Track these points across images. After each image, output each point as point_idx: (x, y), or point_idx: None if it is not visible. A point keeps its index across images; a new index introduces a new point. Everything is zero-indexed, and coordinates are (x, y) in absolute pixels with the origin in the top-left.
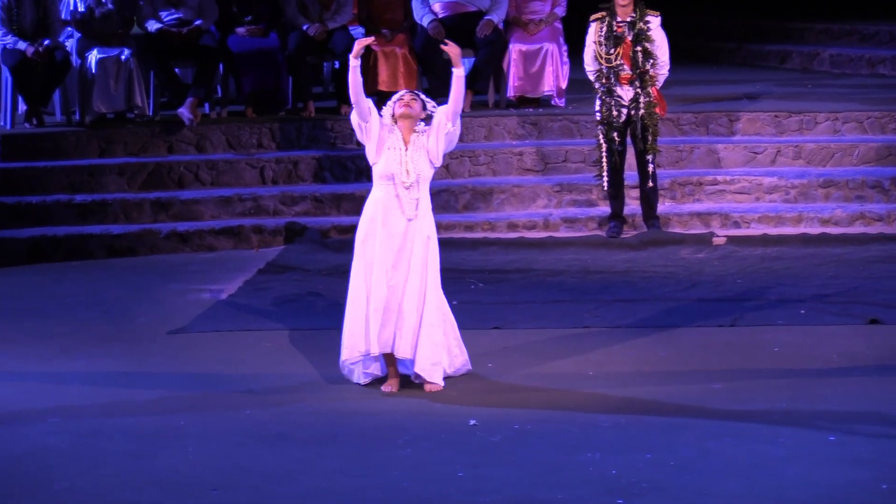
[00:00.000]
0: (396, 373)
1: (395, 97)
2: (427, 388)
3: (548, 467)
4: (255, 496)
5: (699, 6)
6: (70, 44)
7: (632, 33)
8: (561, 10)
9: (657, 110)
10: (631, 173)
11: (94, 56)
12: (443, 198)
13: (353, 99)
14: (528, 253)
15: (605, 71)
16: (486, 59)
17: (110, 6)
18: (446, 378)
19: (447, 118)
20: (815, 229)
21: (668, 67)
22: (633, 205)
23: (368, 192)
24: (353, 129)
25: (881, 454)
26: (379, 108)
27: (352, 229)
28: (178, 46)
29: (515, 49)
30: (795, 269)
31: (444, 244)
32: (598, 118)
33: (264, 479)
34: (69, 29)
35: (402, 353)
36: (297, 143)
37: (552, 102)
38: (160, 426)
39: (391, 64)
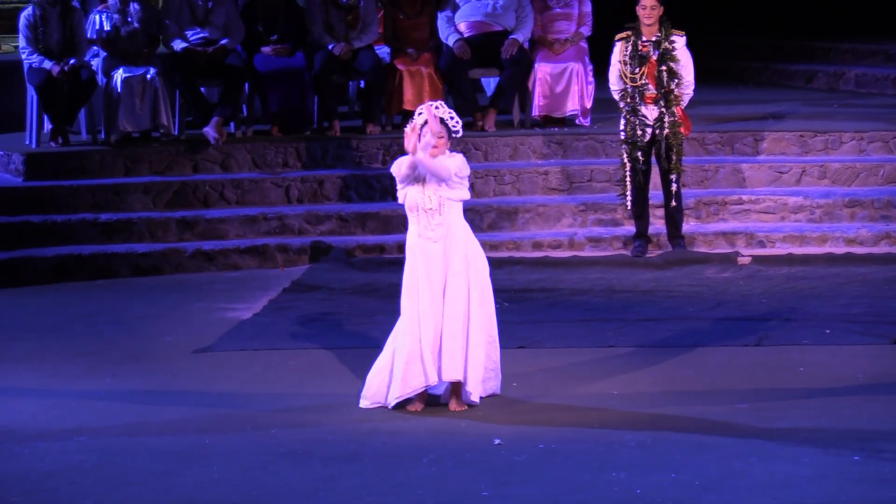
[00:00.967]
0: (425, 394)
1: (420, 123)
2: (452, 407)
3: (573, 486)
4: None
5: (725, 26)
6: (96, 63)
7: (657, 53)
8: (586, 30)
9: (682, 130)
10: (656, 192)
11: (119, 75)
12: (467, 217)
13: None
14: (552, 272)
15: (629, 90)
16: (511, 79)
17: (136, 25)
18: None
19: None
20: (840, 249)
21: (692, 87)
22: (657, 224)
23: (394, 210)
24: (378, 149)
25: None
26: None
27: (377, 248)
28: (204, 65)
29: (541, 68)
30: (820, 288)
31: None
32: (623, 137)
33: (288, 497)
34: (95, 48)
35: (450, 376)
36: (322, 162)
37: (577, 122)
38: (185, 445)
39: (416, 83)
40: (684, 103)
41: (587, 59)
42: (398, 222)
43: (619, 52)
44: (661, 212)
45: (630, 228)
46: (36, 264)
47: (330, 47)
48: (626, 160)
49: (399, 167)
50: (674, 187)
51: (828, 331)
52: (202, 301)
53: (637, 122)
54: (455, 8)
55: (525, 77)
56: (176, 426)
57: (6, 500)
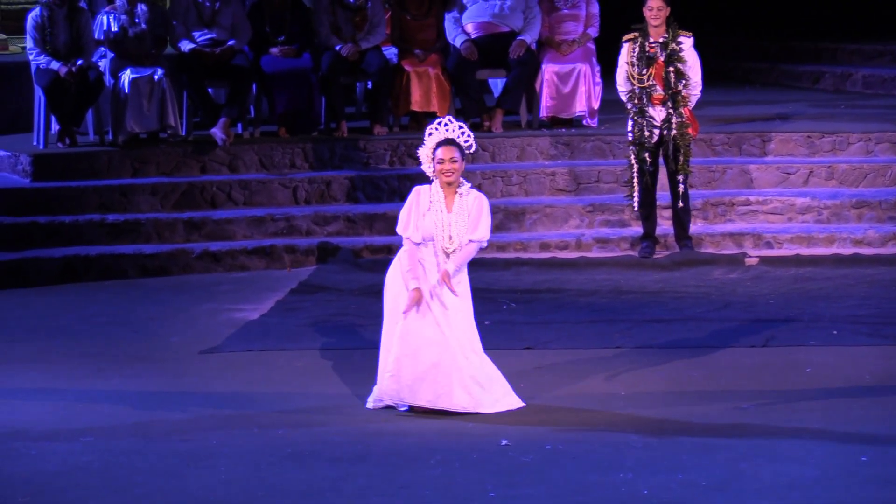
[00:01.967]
0: None
1: (431, 145)
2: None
3: (579, 487)
4: None
5: (732, 27)
6: (103, 64)
7: (664, 54)
8: (594, 31)
9: (689, 131)
10: (663, 194)
11: (127, 76)
12: None
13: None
14: (560, 273)
15: (637, 91)
16: (518, 80)
17: (143, 26)
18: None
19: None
20: (848, 250)
21: (700, 88)
22: (665, 225)
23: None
24: (386, 150)
25: None
26: (414, 131)
27: (385, 249)
28: (211, 66)
29: (548, 69)
30: (828, 289)
31: (476, 264)
32: (630, 138)
33: (295, 498)
34: (102, 49)
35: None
36: (329, 163)
37: (584, 123)
38: (192, 446)
39: (424, 84)
40: (692, 104)
41: (594, 61)
42: None
43: (626, 54)
44: (668, 213)
45: (637, 229)
46: (43, 265)
47: (337, 48)
48: (633, 161)
49: (403, 265)
50: (681, 188)
51: (835, 332)
52: (209, 302)
53: (644, 124)
54: (462, 9)
55: (532, 78)
56: (182, 427)
57: (13, 500)
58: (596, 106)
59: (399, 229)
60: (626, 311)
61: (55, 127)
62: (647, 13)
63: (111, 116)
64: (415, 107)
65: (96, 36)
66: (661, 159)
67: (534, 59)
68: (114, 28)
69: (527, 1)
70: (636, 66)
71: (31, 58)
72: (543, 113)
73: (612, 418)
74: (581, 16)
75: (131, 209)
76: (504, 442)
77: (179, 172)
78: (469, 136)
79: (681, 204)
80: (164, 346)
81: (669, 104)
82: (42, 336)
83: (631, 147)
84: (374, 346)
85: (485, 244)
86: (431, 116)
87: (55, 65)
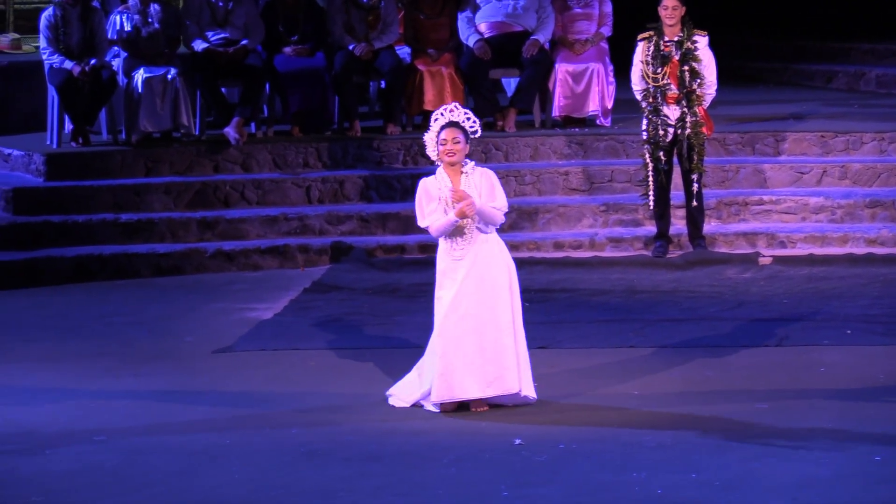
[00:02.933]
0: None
1: (436, 129)
2: (474, 406)
3: (593, 487)
4: None
5: (746, 26)
6: (116, 63)
7: (679, 53)
8: (607, 30)
9: (704, 130)
10: (677, 193)
11: (140, 75)
12: None
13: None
14: (573, 272)
15: (651, 90)
16: (531, 79)
17: (156, 26)
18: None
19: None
20: (861, 249)
21: (715, 87)
22: (678, 224)
23: (414, 210)
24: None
25: None
26: (427, 130)
27: (398, 249)
28: (225, 66)
29: (561, 69)
30: (841, 289)
31: None
32: (645, 137)
33: (308, 497)
34: (115, 48)
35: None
36: (343, 162)
37: (598, 122)
38: (206, 445)
39: (437, 83)
40: (706, 103)
41: (608, 60)
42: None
43: (641, 52)
44: (682, 212)
45: (651, 229)
46: (56, 264)
47: (350, 48)
48: (648, 160)
49: (430, 228)
50: (695, 187)
51: (849, 331)
52: (222, 301)
53: (659, 122)
54: (475, 8)
55: (545, 77)
56: (196, 426)
57: (27, 499)
58: (609, 105)
59: (420, 223)
60: (640, 310)
61: (68, 126)
62: (662, 12)
63: (124, 116)
64: (428, 106)
65: (109, 35)
66: (675, 158)
67: (547, 58)
68: (127, 28)
69: (540, 0)
70: (651, 65)
71: (44, 57)
72: (556, 112)
73: (625, 418)
74: (594, 15)
75: (144, 208)
76: (517, 441)
77: (193, 172)
78: (475, 121)
79: (695, 203)
80: (177, 345)
81: (684, 103)
82: (55, 335)
83: (645, 146)
84: (388, 345)
85: (504, 215)
86: None
87: (68, 64)
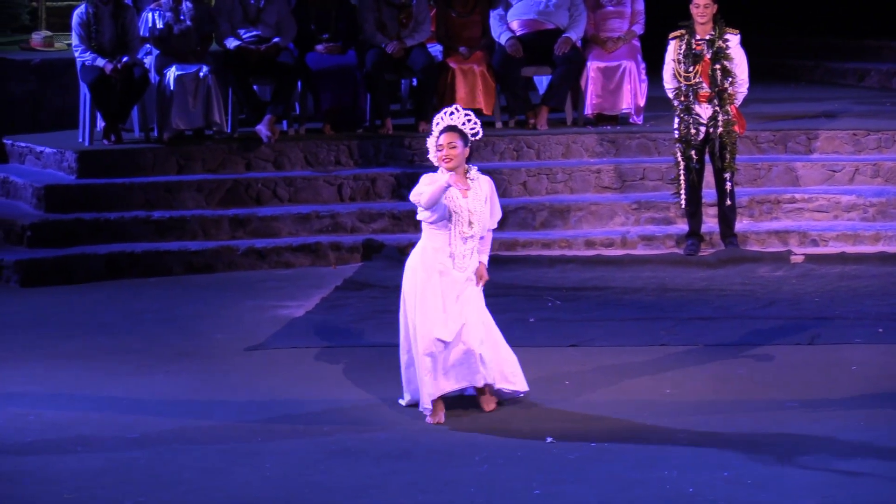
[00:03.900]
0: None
1: (436, 133)
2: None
3: (624, 485)
4: None
5: (778, 24)
6: (148, 60)
7: (711, 51)
8: (639, 28)
9: (736, 128)
10: (709, 191)
11: (172, 73)
12: (520, 215)
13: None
14: (605, 270)
15: (683, 89)
16: (563, 77)
17: (189, 23)
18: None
19: (489, 223)
20: (894, 247)
21: (746, 85)
22: (710, 223)
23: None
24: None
25: None
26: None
27: None
28: (257, 63)
29: (593, 66)
30: (873, 287)
31: (521, 262)
32: (677, 136)
33: (340, 494)
34: (147, 46)
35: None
36: (374, 160)
37: (630, 120)
38: (237, 443)
39: (469, 81)
40: (738, 102)
41: (640, 58)
42: None
43: (672, 51)
44: (713, 210)
45: (682, 227)
46: (88, 262)
47: (382, 45)
48: (680, 158)
49: (422, 196)
50: (727, 186)
51: (880, 329)
52: (254, 299)
53: (691, 121)
54: (507, 6)
55: (577, 75)
56: (227, 424)
57: (59, 496)
58: (641, 103)
59: (411, 196)
60: (672, 308)
61: (101, 124)
62: (693, 10)
63: (156, 113)
64: (460, 104)
65: (142, 33)
66: (707, 157)
67: (579, 56)
68: (159, 25)
69: None
70: (682, 64)
71: (76, 55)
72: (589, 110)
73: (657, 416)
74: (626, 13)
75: (176, 206)
76: (549, 439)
77: (225, 169)
78: (476, 123)
79: (727, 202)
80: (208, 343)
81: (716, 101)
82: (87, 332)
83: (677, 144)
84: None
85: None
86: (476, 114)
87: (100, 62)
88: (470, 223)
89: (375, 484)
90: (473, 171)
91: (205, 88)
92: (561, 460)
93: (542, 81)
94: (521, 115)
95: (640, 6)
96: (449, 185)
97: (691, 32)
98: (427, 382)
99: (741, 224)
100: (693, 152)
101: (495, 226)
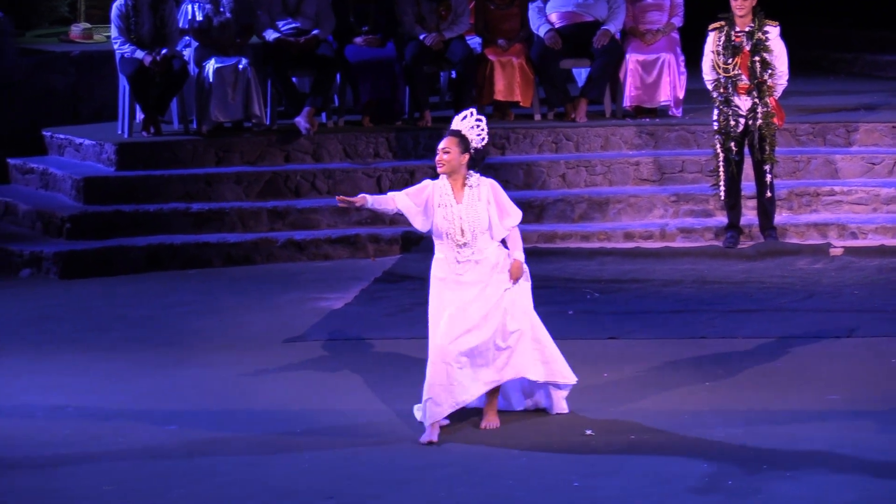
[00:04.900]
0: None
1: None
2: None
3: (663, 477)
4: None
5: (817, 16)
6: (187, 53)
7: (750, 43)
8: (678, 21)
9: (775, 121)
10: (748, 184)
11: (211, 65)
12: (559, 207)
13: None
14: (644, 263)
15: (722, 81)
16: (602, 69)
17: (228, 15)
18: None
19: (502, 226)
20: None
21: (786, 77)
22: (749, 215)
23: None
24: None
25: None
26: (498, 120)
27: None
28: (296, 56)
29: (632, 59)
30: None
31: (559, 254)
32: (716, 128)
33: (378, 486)
34: (187, 38)
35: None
36: (413, 152)
37: (669, 112)
38: (276, 434)
39: (507, 74)
40: (778, 94)
41: (679, 50)
42: None
43: (712, 43)
44: (752, 203)
45: (721, 219)
46: (128, 253)
47: (421, 38)
48: (719, 150)
49: (380, 198)
50: (767, 178)
51: None
52: (293, 291)
53: (730, 113)
54: None
55: (616, 67)
56: (266, 415)
57: (98, 489)
58: (681, 95)
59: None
60: (711, 301)
61: (140, 116)
62: (733, 3)
63: (195, 105)
64: (498, 96)
65: (181, 25)
66: (746, 149)
67: (618, 48)
68: (198, 17)
69: None
70: (722, 56)
71: (115, 47)
72: (627, 103)
73: (695, 408)
74: (665, 5)
75: (215, 198)
76: (588, 432)
77: (263, 161)
78: (482, 130)
79: (767, 194)
80: (247, 334)
81: (755, 93)
82: (126, 324)
83: (716, 136)
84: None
85: (513, 223)
86: (515, 106)
87: (139, 54)
88: (462, 231)
89: (414, 476)
90: (474, 178)
91: (244, 81)
92: (600, 453)
93: (581, 74)
94: (559, 107)
95: None
96: (363, 206)
97: (731, 24)
98: (432, 403)
99: (780, 216)
100: (732, 144)
101: (512, 225)
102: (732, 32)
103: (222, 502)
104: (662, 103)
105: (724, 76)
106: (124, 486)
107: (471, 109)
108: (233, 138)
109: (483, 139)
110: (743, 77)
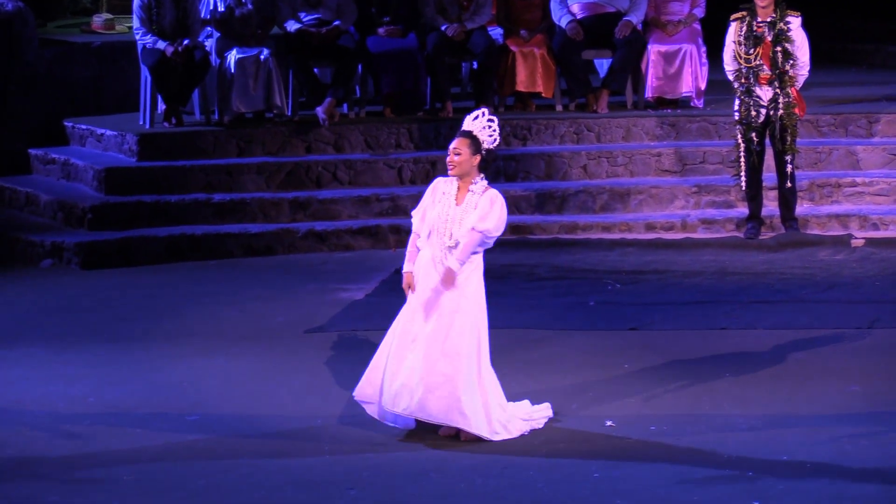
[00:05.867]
0: None
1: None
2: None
3: (683, 468)
4: (390, 495)
5: (839, 7)
6: (209, 43)
7: (772, 33)
8: (700, 11)
9: (796, 111)
10: (769, 174)
11: (233, 56)
12: (580, 198)
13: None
14: (665, 254)
15: (744, 71)
16: (624, 60)
17: (250, 6)
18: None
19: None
20: None
21: (808, 68)
22: (770, 206)
23: (505, 191)
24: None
25: None
26: (520, 111)
27: None
28: (317, 46)
29: (654, 50)
30: None
31: (581, 245)
32: (737, 118)
33: (398, 478)
34: (208, 29)
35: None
36: (434, 143)
37: (691, 103)
38: (297, 425)
39: (529, 64)
40: (799, 84)
41: (700, 41)
42: (510, 203)
43: (733, 33)
44: (773, 194)
45: (743, 210)
46: (149, 244)
47: (443, 28)
48: (740, 141)
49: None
50: (788, 168)
51: None
52: (314, 281)
53: (751, 103)
54: None
55: (638, 59)
56: (287, 406)
57: (119, 479)
58: (702, 86)
59: (413, 212)
60: (732, 292)
61: (161, 106)
62: None
63: (217, 96)
64: (520, 87)
65: (202, 15)
66: (767, 140)
67: (640, 39)
68: (220, 8)
69: None
70: (743, 46)
71: (137, 37)
72: (649, 93)
73: (716, 399)
74: None
75: (237, 189)
76: (608, 423)
77: (285, 152)
78: (494, 131)
79: (788, 184)
80: (269, 325)
81: (776, 84)
82: (148, 315)
83: (737, 127)
84: None
85: (490, 240)
86: (537, 97)
87: (161, 44)
88: (451, 234)
89: (435, 468)
90: (479, 185)
91: (265, 71)
92: (620, 444)
93: (603, 65)
94: (581, 98)
95: None
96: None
97: (753, 14)
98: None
99: (801, 207)
100: (753, 135)
101: (482, 231)
102: (754, 23)
103: (243, 493)
104: (684, 94)
105: (746, 66)
106: (145, 475)
107: (483, 109)
108: (254, 129)
109: (495, 140)
110: (764, 67)
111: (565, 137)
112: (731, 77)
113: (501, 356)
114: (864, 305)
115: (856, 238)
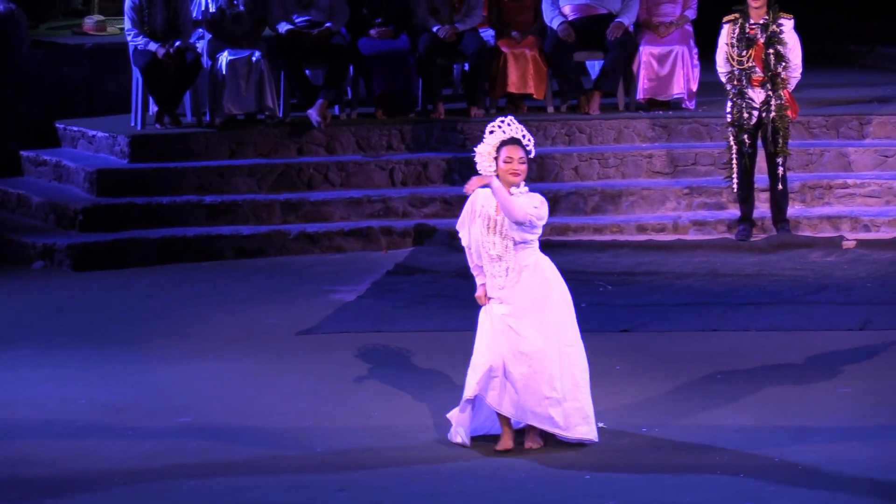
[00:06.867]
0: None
1: (493, 143)
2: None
3: (675, 470)
4: (381, 496)
5: (831, 9)
6: (201, 45)
7: (764, 35)
8: (691, 13)
9: (789, 113)
10: (761, 176)
11: (224, 57)
12: (572, 200)
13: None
14: (656, 255)
15: (736, 73)
16: (615, 62)
17: (241, 8)
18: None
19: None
20: None
21: (800, 70)
22: (762, 208)
23: None
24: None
25: None
26: (511, 113)
27: None
28: (309, 48)
29: (646, 51)
30: None
31: (572, 246)
32: (729, 120)
33: (390, 478)
34: (200, 30)
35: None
36: (426, 144)
37: (682, 105)
38: (288, 427)
39: (521, 66)
40: (791, 86)
41: (692, 43)
42: None
43: (726, 35)
44: (765, 195)
45: (734, 212)
46: (141, 246)
47: (434, 30)
48: (732, 143)
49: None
50: (780, 170)
51: None
52: (306, 283)
53: (744, 105)
54: None
55: (630, 60)
56: (279, 408)
57: (111, 480)
58: (694, 88)
59: (458, 225)
60: (723, 293)
61: (153, 108)
62: None
63: (208, 98)
64: (511, 88)
65: (194, 17)
66: (759, 142)
67: (631, 41)
68: (211, 9)
69: None
70: (736, 48)
71: (128, 39)
72: (641, 95)
73: (707, 401)
74: None
75: (228, 190)
76: (600, 425)
77: (277, 154)
78: (530, 139)
79: (779, 186)
80: (260, 327)
81: (769, 86)
82: (139, 316)
83: (730, 129)
84: (471, 328)
85: (530, 224)
86: (528, 98)
87: (153, 46)
88: (494, 243)
89: (426, 468)
90: (520, 188)
91: (257, 73)
92: (611, 446)
93: (594, 66)
94: (573, 99)
95: None
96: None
97: (745, 16)
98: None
99: (793, 209)
100: (745, 137)
101: (531, 213)
102: (747, 25)
103: (235, 495)
104: (676, 96)
105: (738, 68)
106: (136, 477)
107: (510, 116)
108: (246, 131)
109: (531, 151)
110: (757, 69)
111: (557, 139)
112: (723, 79)
113: None
114: (855, 307)
115: (847, 240)
